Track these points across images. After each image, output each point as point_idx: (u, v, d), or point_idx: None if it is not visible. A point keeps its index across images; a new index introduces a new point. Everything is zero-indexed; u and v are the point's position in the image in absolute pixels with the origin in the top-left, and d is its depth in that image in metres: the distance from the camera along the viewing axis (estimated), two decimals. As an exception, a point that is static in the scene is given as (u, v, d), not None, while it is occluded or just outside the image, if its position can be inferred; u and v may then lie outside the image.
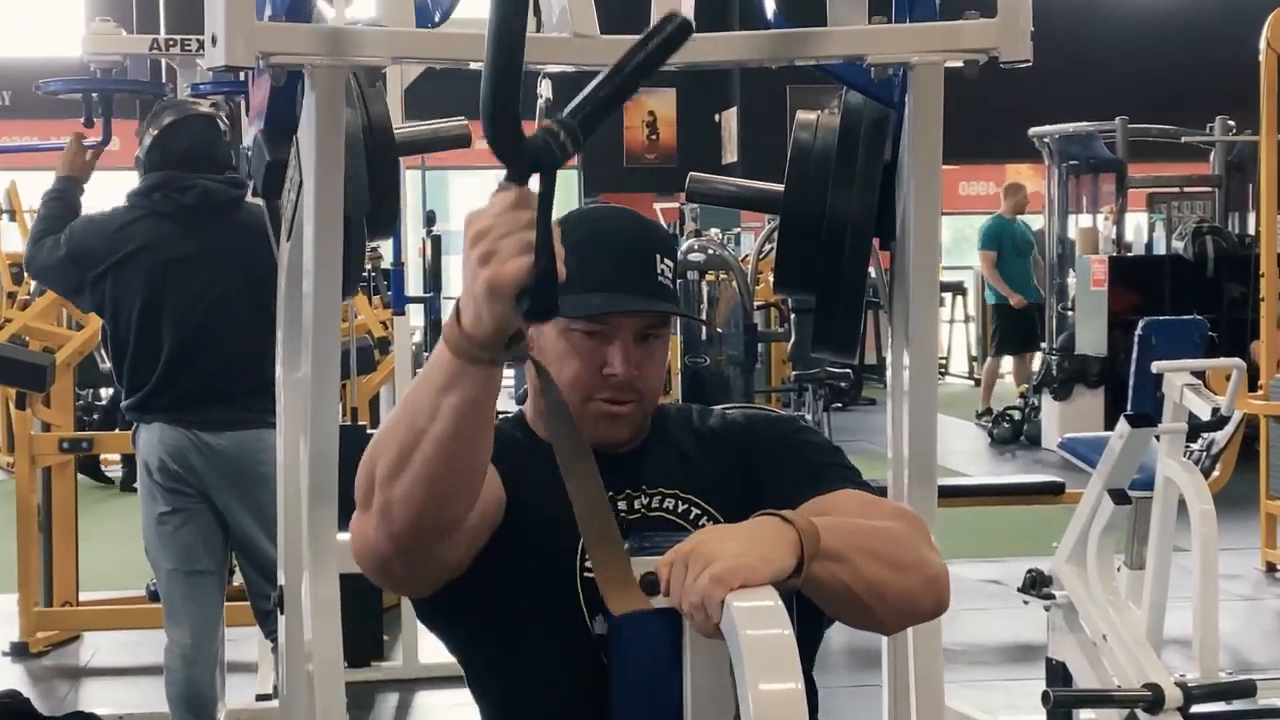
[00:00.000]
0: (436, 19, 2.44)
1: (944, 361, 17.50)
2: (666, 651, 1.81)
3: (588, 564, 1.94)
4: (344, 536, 2.57)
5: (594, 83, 1.53)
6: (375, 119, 2.44)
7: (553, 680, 2.00)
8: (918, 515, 2.00)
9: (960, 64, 2.33)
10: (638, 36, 2.30)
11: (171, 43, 5.46)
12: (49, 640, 6.52)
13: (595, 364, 2.01)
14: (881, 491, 2.33)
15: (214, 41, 2.15)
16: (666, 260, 2.08)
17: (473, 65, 2.32)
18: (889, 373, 2.62)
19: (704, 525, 2.02)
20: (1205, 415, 4.77)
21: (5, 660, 6.35)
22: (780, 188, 2.61)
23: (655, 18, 2.32)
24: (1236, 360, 4.86)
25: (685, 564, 1.67)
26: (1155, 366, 4.70)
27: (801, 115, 2.64)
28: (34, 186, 11.40)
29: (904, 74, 2.41)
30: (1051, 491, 6.78)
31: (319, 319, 2.34)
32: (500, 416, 2.11)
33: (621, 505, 2.03)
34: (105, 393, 10.46)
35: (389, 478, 1.74)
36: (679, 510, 2.04)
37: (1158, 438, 4.89)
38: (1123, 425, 4.51)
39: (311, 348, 2.36)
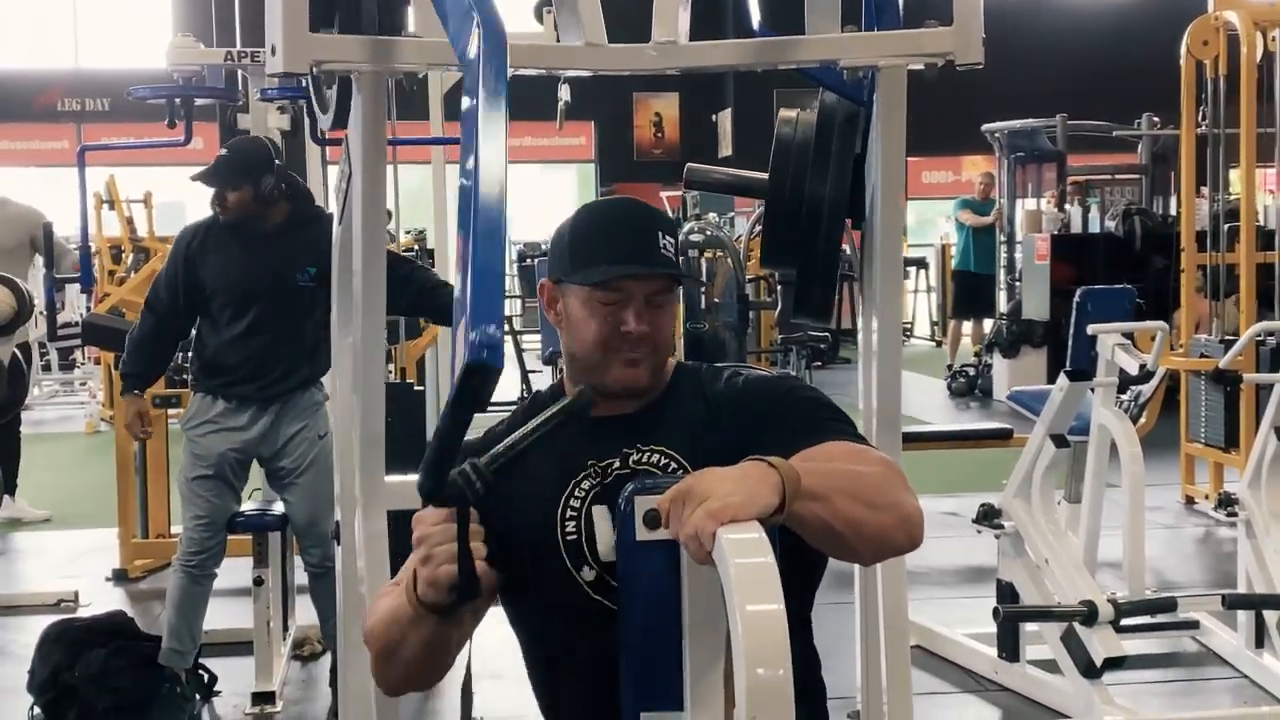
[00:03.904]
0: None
1: (909, 326, 17.44)
2: (668, 577, 1.79)
3: (568, 527, 2.00)
4: (391, 479, 2.56)
5: (511, 439, 1.72)
6: None
7: (563, 622, 2.02)
8: (896, 463, 1.97)
9: (921, 66, 2.30)
10: (641, 45, 2.29)
11: (243, 54, 5.41)
12: (145, 567, 6.53)
13: (614, 324, 1.98)
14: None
15: (273, 51, 2.13)
16: (668, 237, 2.05)
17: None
18: (860, 335, 2.60)
19: (678, 475, 1.99)
20: (1133, 370, 4.75)
21: (109, 584, 6.36)
22: (766, 176, 2.58)
23: (655, 30, 2.31)
24: (1161, 323, 4.82)
25: (683, 501, 1.65)
26: (1090, 329, 4.67)
27: (783, 113, 2.61)
28: (130, 180, 11.47)
29: (872, 75, 2.38)
30: (1001, 437, 6.74)
31: (367, 292, 2.32)
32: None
33: (615, 463, 2.01)
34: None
35: (377, 666, 1.97)
36: (660, 464, 2.01)
37: (1093, 390, 4.86)
38: (1063, 380, 4.49)
39: (361, 316, 2.34)
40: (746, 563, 1.57)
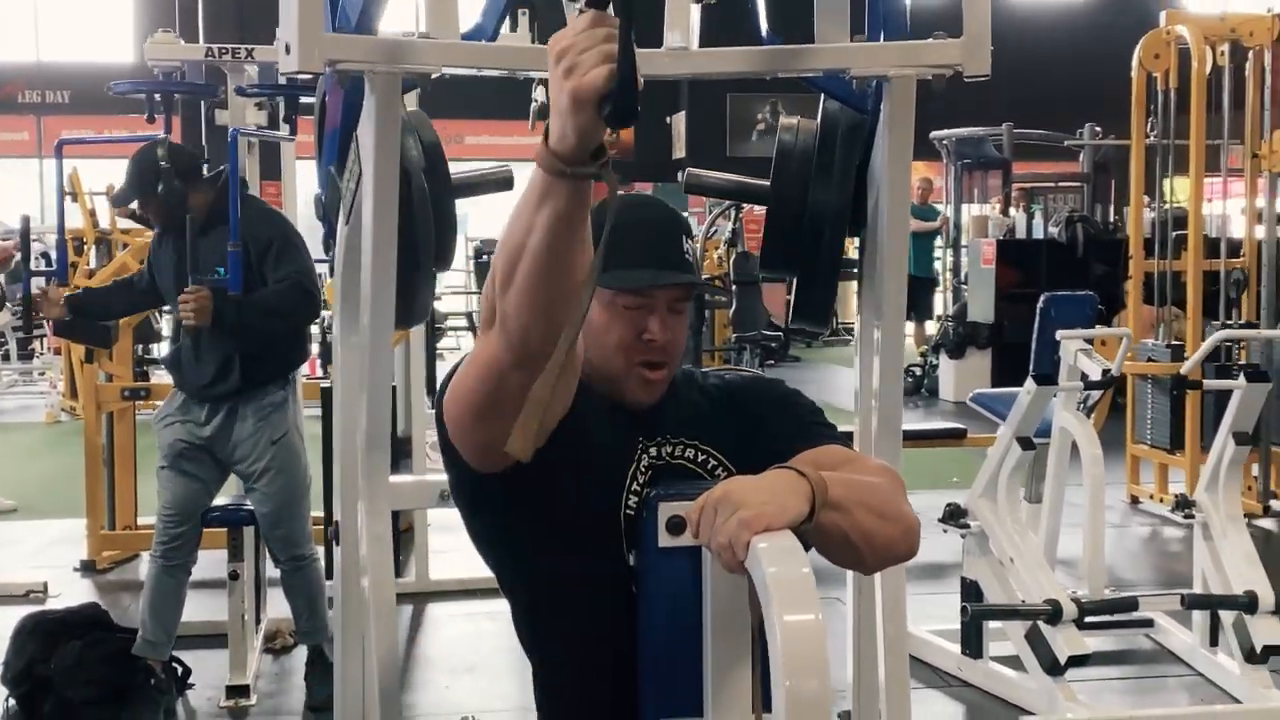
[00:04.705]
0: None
1: (850, 325, 17.46)
2: (689, 582, 1.75)
3: (630, 501, 1.89)
4: (395, 479, 2.50)
5: None
6: (439, 172, 2.37)
7: (586, 597, 1.90)
8: (896, 472, 1.93)
9: (930, 77, 2.26)
10: (654, 50, 2.24)
11: (223, 50, 5.30)
12: (112, 558, 6.41)
13: (637, 331, 1.92)
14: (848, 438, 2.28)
15: (287, 50, 2.05)
16: (689, 242, 2.01)
17: (501, 72, 2.25)
18: (858, 343, 2.56)
19: (719, 473, 1.95)
20: (1096, 375, 4.75)
21: (76, 575, 6.24)
22: (766, 182, 2.54)
23: (667, 36, 2.26)
24: (1125, 330, 4.85)
25: (715, 509, 1.61)
26: (1058, 335, 4.66)
27: (784, 120, 2.56)
28: (92, 173, 11.28)
29: (877, 85, 2.34)
30: (955, 436, 6.75)
31: (376, 291, 2.24)
32: None
33: (652, 451, 1.94)
34: (155, 348, 10.28)
35: (502, 290, 1.60)
36: (698, 460, 1.96)
37: (1054, 394, 4.86)
38: (1030, 384, 4.48)
39: (370, 316, 2.27)
40: (783, 572, 1.53)
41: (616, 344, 1.92)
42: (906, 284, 2.46)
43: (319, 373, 7.83)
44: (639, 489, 1.90)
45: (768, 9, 2.42)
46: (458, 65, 2.20)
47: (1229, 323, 7.37)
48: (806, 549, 1.77)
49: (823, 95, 2.47)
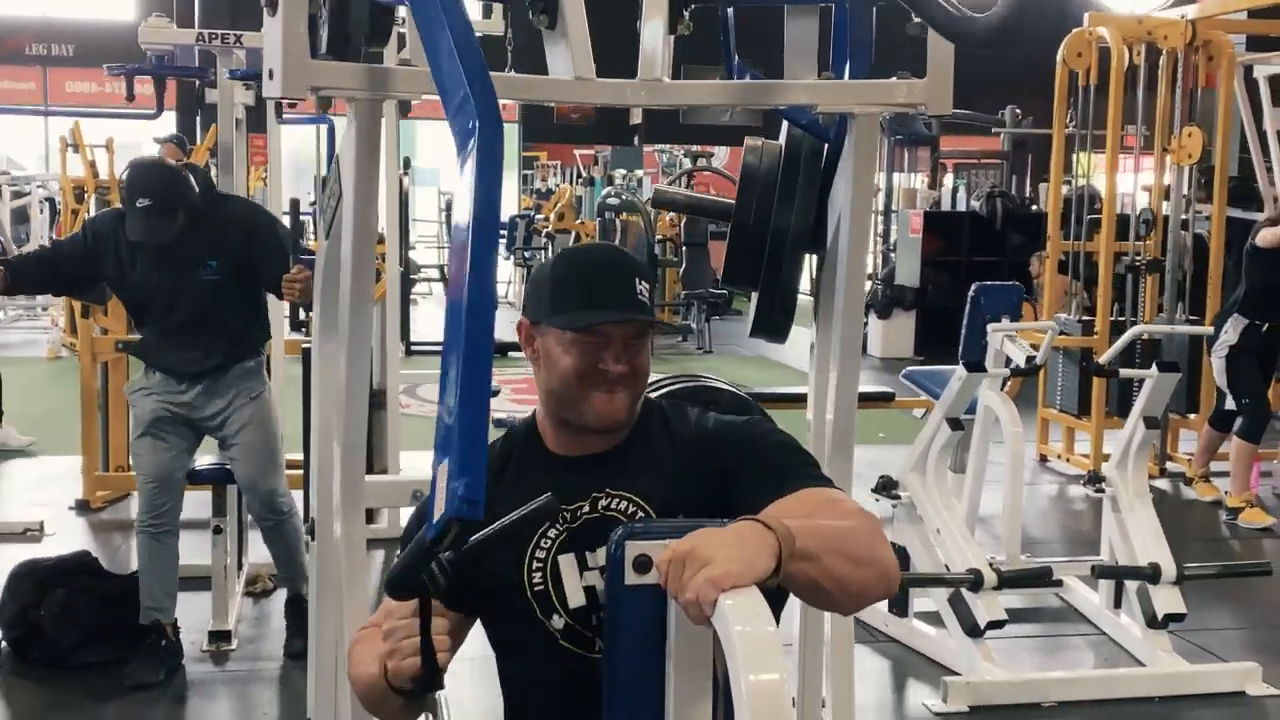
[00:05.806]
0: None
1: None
2: (654, 621, 1.63)
3: (534, 578, 1.81)
4: (371, 479, 2.36)
5: (483, 533, 1.47)
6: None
7: (536, 667, 1.85)
8: (873, 515, 1.79)
9: (892, 114, 2.13)
10: (628, 81, 2.09)
11: (214, 36, 5.08)
12: (105, 498, 6.24)
13: (593, 362, 1.80)
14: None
15: (270, 75, 1.90)
16: (643, 283, 1.85)
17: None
18: (814, 356, 2.44)
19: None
20: (1021, 361, 4.67)
21: (71, 514, 6.06)
22: (729, 200, 2.42)
23: (641, 68, 2.11)
24: (1051, 324, 4.74)
25: (683, 563, 1.48)
26: (990, 328, 4.57)
27: (749, 141, 2.44)
28: (93, 128, 10.97)
29: (841, 116, 2.20)
30: (885, 399, 6.65)
31: (354, 305, 2.10)
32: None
33: (585, 507, 1.83)
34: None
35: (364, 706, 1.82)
36: (629, 512, 1.82)
37: (980, 376, 4.76)
38: (961, 370, 4.39)
39: (348, 327, 2.12)
40: (749, 631, 1.40)
41: (574, 371, 1.81)
42: (863, 304, 2.35)
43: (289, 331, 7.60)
44: (541, 562, 1.82)
45: (737, 40, 2.28)
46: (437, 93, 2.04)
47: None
48: (784, 597, 1.66)
49: (785, 121, 2.34)
